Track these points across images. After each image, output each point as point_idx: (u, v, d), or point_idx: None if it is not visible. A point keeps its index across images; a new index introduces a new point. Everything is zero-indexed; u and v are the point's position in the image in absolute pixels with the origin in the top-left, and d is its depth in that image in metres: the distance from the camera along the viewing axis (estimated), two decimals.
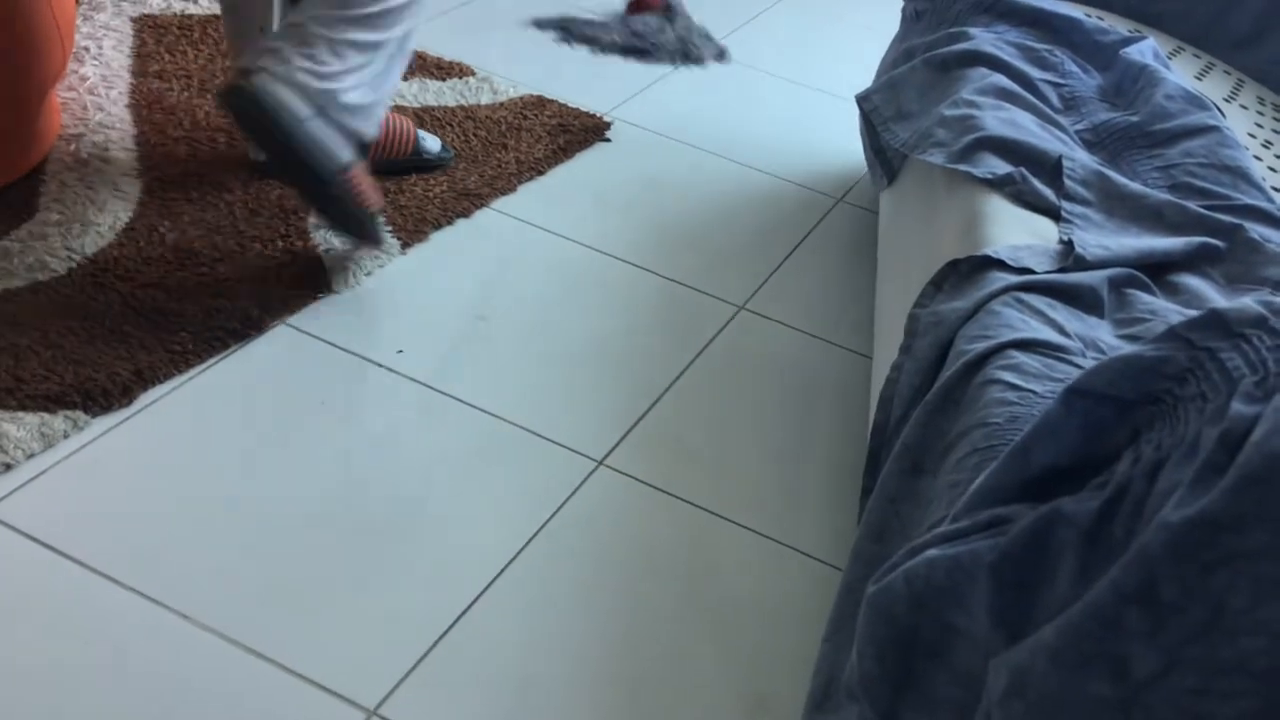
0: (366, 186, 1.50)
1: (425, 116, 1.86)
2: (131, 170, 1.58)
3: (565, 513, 1.27)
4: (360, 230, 1.48)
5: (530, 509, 1.26)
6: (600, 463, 1.34)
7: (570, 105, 2.01)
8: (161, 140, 1.66)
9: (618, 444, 1.38)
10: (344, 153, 1.42)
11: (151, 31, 1.91)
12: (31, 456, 1.18)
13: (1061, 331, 1.02)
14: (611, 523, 1.27)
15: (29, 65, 1.46)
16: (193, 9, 2.00)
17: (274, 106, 1.32)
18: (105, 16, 1.93)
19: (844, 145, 2.12)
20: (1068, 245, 1.15)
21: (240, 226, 1.53)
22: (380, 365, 1.41)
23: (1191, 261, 1.16)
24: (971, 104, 1.38)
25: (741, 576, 1.24)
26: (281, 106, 1.33)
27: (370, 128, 1.45)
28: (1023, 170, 1.26)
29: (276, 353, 1.39)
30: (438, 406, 1.37)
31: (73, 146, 1.60)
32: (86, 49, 1.82)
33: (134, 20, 1.94)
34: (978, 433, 0.92)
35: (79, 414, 1.23)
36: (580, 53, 2.24)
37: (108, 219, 1.49)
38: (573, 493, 1.30)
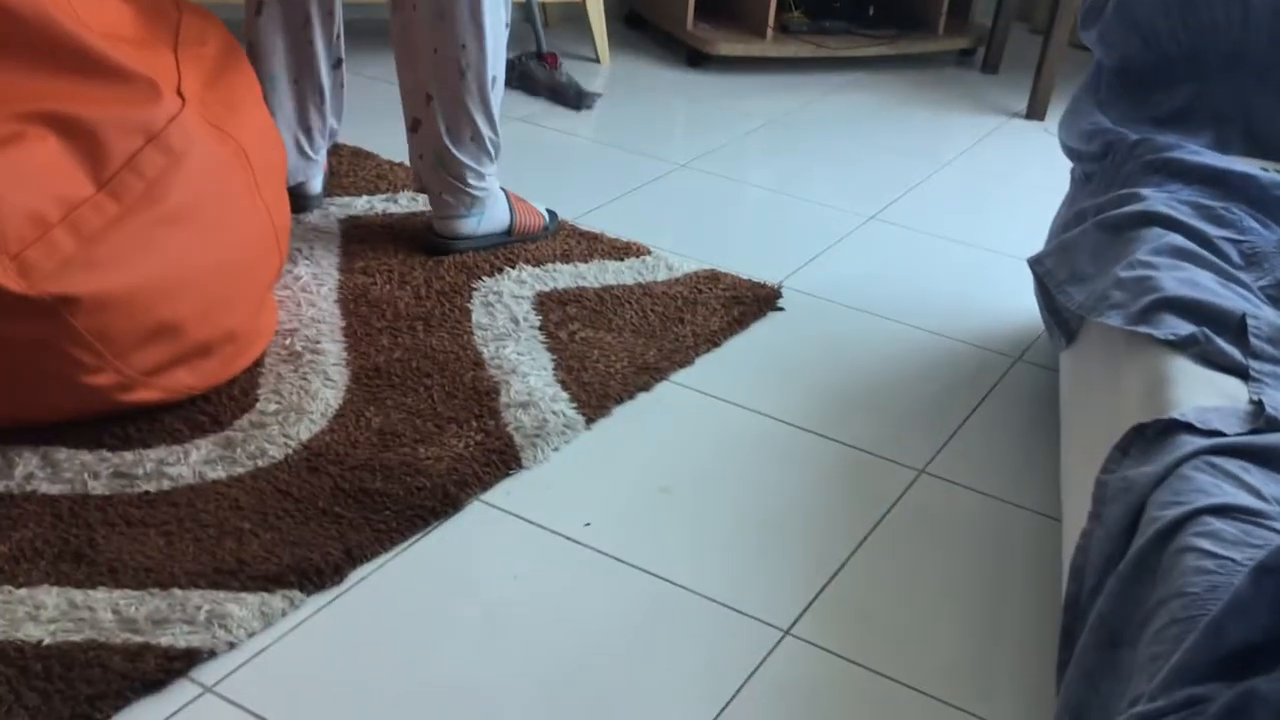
0: (524, 212, 2.08)
1: (605, 296, 1.95)
2: (340, 360, 1.71)
3: (754, 684, 1.28)
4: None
5: (718, 680, 1.28)
6: (786, 632, 1.35)
7: (742, 277, 2.08)
8: (366, 331, 1.79)
9: (803, 613, 1.38)
10: (502, 217, 2.03)
11: (356, 231, 2.08)
12: (252, 635, 1.26)
13: (1258, 495, 1.00)
14: (801, 695, 1.27)
15: (251, 271, 1.60)
16: (393, 208, 2.17)
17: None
18: (315, 219, 2.10)
19: (1018, 304, 2.12)
20: (1258, 406, 1.13)
21: (438, 409, 1.63)
22: (569, 538, 1.46)
23: None
24: (1148, 264, 1.38)
25: None
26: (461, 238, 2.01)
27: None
28: (1205, 330, 1.25)
29: (472, 528, 1.46)
30: (625, 578, 1.41)
31: (288, 340, 1.74)
32: (299, 250, 1.99)
33: (340, 221, 2.11)
34: (1176, 603, 0.91)
35: (295, 593, 1.31)
36: (749, 225, 2.32)
37: (319, 406, 1.60)
38: (760, 663, 1.31)
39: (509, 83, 2.83)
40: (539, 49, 2.95)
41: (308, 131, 2.06)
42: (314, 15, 1.99)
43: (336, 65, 2.07)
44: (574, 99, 2.82)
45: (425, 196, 2.11)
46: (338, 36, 2.05)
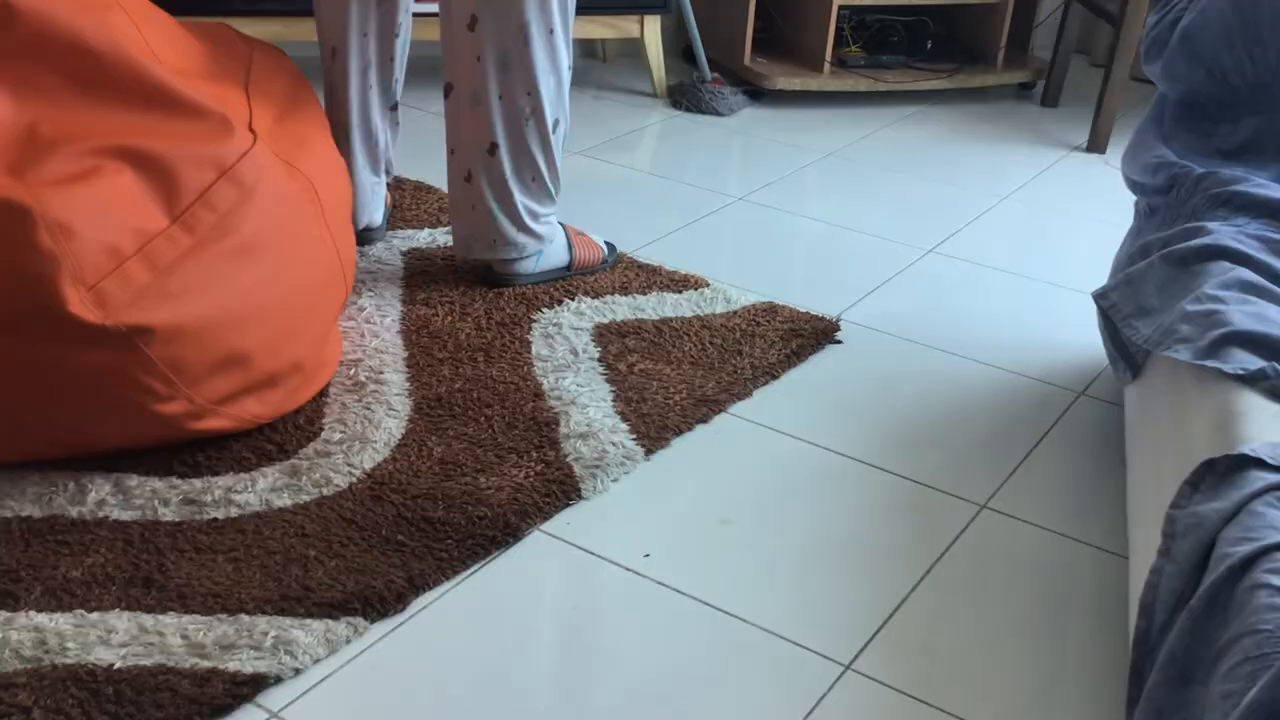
0: (583, 246, 2.11)
1: (664, 328, 1.96)
2: (403, 390, 1.73)
3: (814, 719, 1.27)
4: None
5: (779, 715, 1.27)
6: (848, 667, 1.34)
7: (800, 310, 2.08)
8: (429, 361, 1.81)
9: (864, 647, 1.37)
10: (560, 256, 2.06)
11: (419, 263, 2.11)
12: (318, 661, 1.28)
13: None
14: None
15: (317, 303, 1.63)
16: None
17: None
18: (378, 251, 2.14)
19: (1081, 339, 2.11)
20: None
21: (498, 439, 1.64)
22: (628, 569, 1.47)
23: None
24: (1216, 299, 1.36)
25: None
26: (519, 276, 2.03)
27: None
28: (1276, 365, 1.23)
29: (531, 558, 1.47)
30: (684, 610, 1.41)
31: (352, 370, 1.77)
32: (363, 281, 2.02)
33: (403, 254, 2.14)
34: (1249, 640, 0.89)
35: (359, 620, 1.32)
36: (807, 258, 2.33)
37: (383, 435, 1.62)
38: (821, 698, 1.30)
39: (681, 105, 3.13)
40: (703, 75, 3.21)
41: (370, 170, 2.10)
42: (373, 58, 2.03)
43: (393, 108, 2.10)
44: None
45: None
46: (396, 81, 2.09)
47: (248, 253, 1.50)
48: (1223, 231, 1.50)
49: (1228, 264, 1.44)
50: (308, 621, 1.31)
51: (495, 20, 1.83)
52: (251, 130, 1.57)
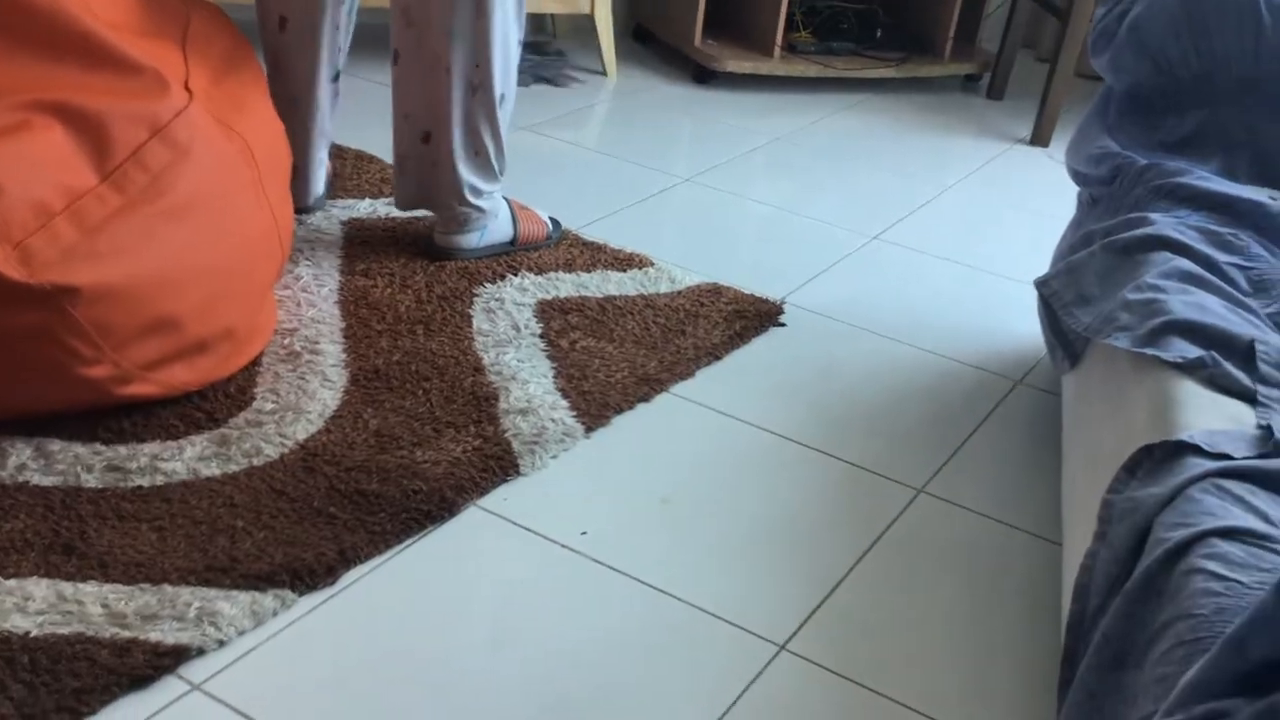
0: (527, 220, 2.08)
1: (607, 306, 1.94)
2: (339, 361, 1.70)
3: (748, 699, 1.26)
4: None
5: (713, 694, 1.26)
6: (782, 647, 1.34)
7: (745, 291, 2.07)
8: (366, 333, 1.77)
9: (800, 628, 1.37)
10: (504, 229, 2.03)
11: (359, 233, 2.07)
12: (243, 633, 1.25)
13: (1265, 519, 0.99)
14: (796, 711, 1.25)
15: (252, 269, 1.59)
16: (396, 212, 2.16)
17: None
18: (317, 220, 2.09)
19: (1021, 328, 2.12)
20: (1266, 430, 1.12)
21: (436, 413, 1.62)
22: (565, 546, 1.45)
23: None
24: (1156, 288, 1.37)
25: None
26: (462, 250, 2.00)
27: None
28: (1214, 354, 1.24)
29: (467, 533, 1.44)
30: (620, 588, 1.39)
31: (287, 340, 1.73)
32: (301, 250, 1.98)
33: (343, 224, 2.10)
34: (1183, 624, 0.90)
35: (287, 592, 1.29)
36: (752, 241, 2.32)
37: (317, 407, 1.59)
38: (755, 678, 1.29)
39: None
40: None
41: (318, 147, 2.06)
42: (326, 31, 1.98)
43: (335, 79, 2.05)
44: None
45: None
46: (340, 51, 2.04)
47: (180, 214, 1.46)
48: (1164, 222, 1.51)
49: (1168, 254, 1.45)
50: (233, 593, 1.28)
51: None
52: (187, 89, 1.53)
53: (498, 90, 1.89)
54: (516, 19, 1.88)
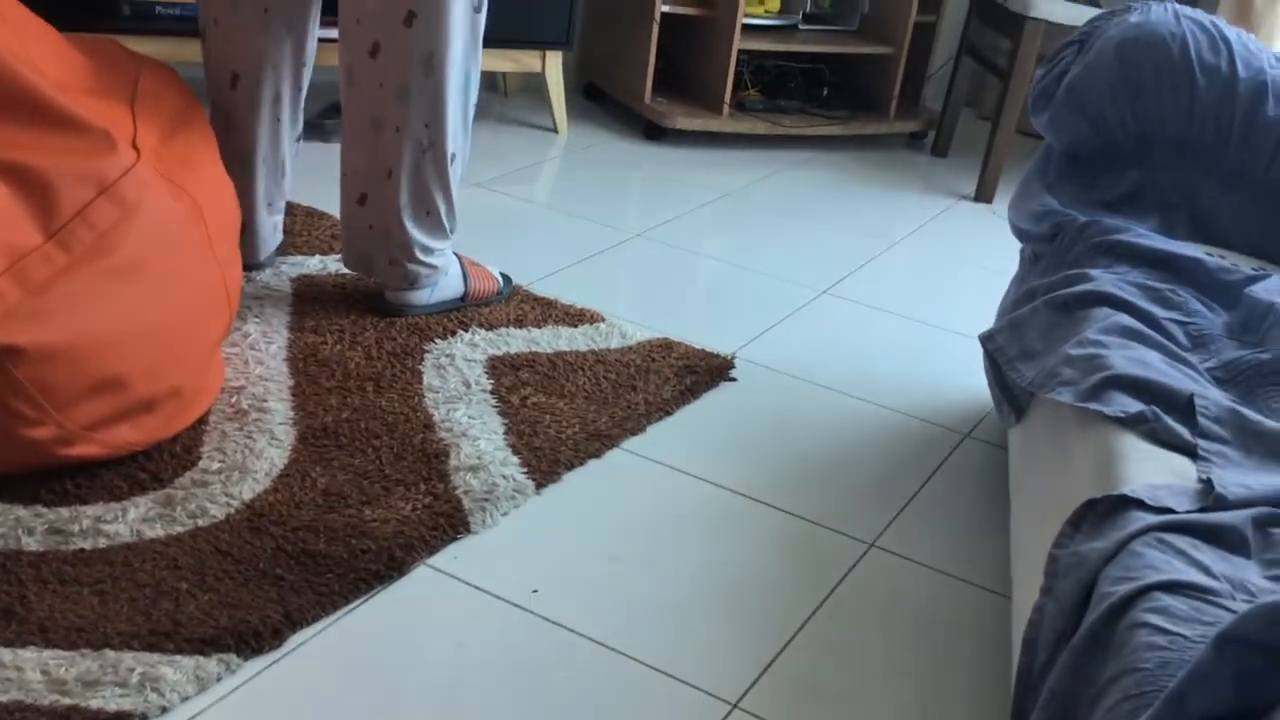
0: (477, 277, 2.08)
1: (558, 362, 1.95)
2: (287, 419, 1.68)
3: None
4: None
5: None
6: (735, 705, 1.33)
7: (696, 346, 2.08)
8: (315, 390, 1.76)
9: (751, 686, 1.37)
10: (455, 286, 2.04)
11: (308, 290, 2.06)
12: (186, 699, 1.22)
13: (1208, 573, 1.01)
14: None
15: (199, 327, 1.58)
16: (346, 269, 2.16)
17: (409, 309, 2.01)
18: (266, 277, 2.08)
19: (968, 382, 2.14)
20: (1207, 484, 1.14)
21: (386, 470, 1.60)
22: (515, 605, 1.44)
23: None
24: (1098, 343, 1.40)
25: None
26: (413, 307, 2.01)
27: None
28: (1155, 409, 1.26)
29: (417, 593, 1.43)
30: (571, 647, 1.38)
31: (234, 398, 1.71)
32: (249, 307, 1.96)
33: (292, 280, 2.09)
34: (1129, 679, 0.90)
35: (232, 656, 1.27)
36: (703, 296, 2.33)
37: (264, 465, 1.57)
38: None
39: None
40: None
41: (270, 206, 2.05)
42: (285, 91, 1.98)
43: (297, 139, 2.06)
44: None
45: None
46: (299, 110, 2.04)
47: (127, 273, 1.45)
48: (1104, 279, 1.54)
49: (1109, 310, 1.48)
50: (177, 658, 1.25)
51: (399, 49, 1.81)
52: (135, 147, 1.52)
53: (449, 149, 1.90)
54: (464, 79, 1.89)
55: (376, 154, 1.88)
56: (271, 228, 2.08)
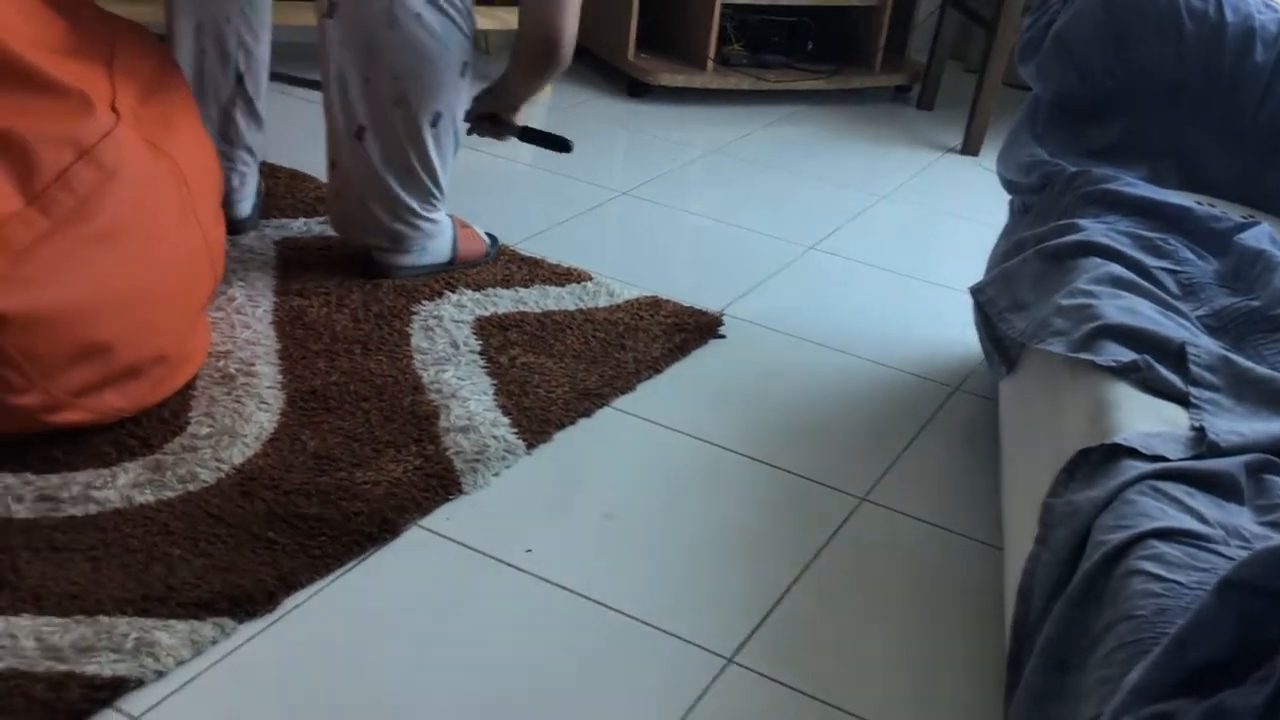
0: (466, 240, 2.06)
1: (546, 321, 1.94)
2: (275, 383, 1.67)
3: (697, 713, 1.26)
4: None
5: (662, 710, 1.26)
6: (730, 660, 1.34)
7: (684, 304, 2.08)
8: (303, 354, 1.75)
9: (746, 640, 1.37)
10: (444, 250, 2.02)
11: (293, 253, 2.04)
12: (182, 663, 1.22)
13: (1202, 520, 1.01)
14: None
15: (184, 292, 1.56)
16: (330, 230, 2.14)
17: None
18: (250, 240, 2.06)
19: (957, 335, 2.14)
20: (1199, 432, 1.14)
21: (376, 433, 1.60)
22: (509, 564, 1.44)
23: None
24: (1088, 293, 1.39)
25: None
26: (399, 269, 1.99)
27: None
28: (1147, 357, 1.26)
29: (410, 554, 1.43)
30: (566, 605, 1.39)
31: (221, 363, 1.70)
32: (234, 271, 1.95)
33: (276, 243, 2.07)
34: (1124, 626, 0.91)
35: (227, 620, 1.27)
36: (690, 254, 2.32)
37: (253, 430, 1.56)
38: (704, 692, 1.29)
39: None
40: None
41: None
42: (227, 34, 1.94)
43: (238, 80, 2.01)
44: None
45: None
46: (254, 70, 2.01)
47: (109, 238, 1.43)
48: (1095, 228, 1.54)
49: (1100, 260, 1.47)
50: (171, 622, 1.25)
51: (356, 4, 1.78)
52: (114, 110, 1.50)
53: (424, 106, 1.85)
54: (446, 27, 1.83)
55: (346, 111, 1.86)
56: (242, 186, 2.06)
